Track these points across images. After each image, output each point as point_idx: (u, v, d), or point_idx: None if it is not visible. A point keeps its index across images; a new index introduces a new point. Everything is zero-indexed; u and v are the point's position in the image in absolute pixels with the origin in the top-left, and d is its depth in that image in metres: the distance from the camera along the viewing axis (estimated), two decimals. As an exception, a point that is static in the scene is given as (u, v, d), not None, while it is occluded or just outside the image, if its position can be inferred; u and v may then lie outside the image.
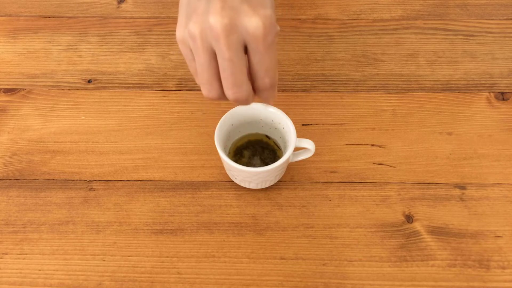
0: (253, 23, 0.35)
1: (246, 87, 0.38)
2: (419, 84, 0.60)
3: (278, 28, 0.38)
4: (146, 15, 0.66)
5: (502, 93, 0.59)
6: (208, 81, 0.38)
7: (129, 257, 0.49)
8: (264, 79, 0.38)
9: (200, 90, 0.58)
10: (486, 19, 0.66)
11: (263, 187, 0.51)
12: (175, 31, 0.42)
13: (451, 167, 0.54)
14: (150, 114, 0.58)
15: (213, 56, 0.37)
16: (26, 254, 0.49)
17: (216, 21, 0.35)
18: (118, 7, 0.67)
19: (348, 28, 0.65)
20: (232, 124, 0.50)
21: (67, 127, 0.57)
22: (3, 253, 0.49)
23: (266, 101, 0.42)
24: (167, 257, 0.49)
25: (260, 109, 0.50)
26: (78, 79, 0.61)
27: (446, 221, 0.50)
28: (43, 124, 0.57)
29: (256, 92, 0.40)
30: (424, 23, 0.65)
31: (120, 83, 0.60)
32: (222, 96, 0.40)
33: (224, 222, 0.50)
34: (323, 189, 0.52)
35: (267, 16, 0.35)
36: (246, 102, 0.40)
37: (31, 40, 0.64)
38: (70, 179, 0.53)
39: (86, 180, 0.53)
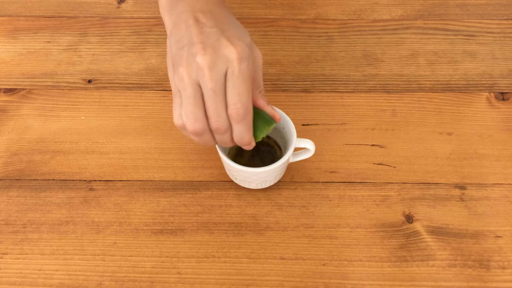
0: (230, 50, 0.39)
1: (227, 118, 0.41)
2: (419, 84, 0.60)
3: (260, 54, 0.43)
4: (146, 15, 0.66)
5: (502, 93, 0.59)
6: (193, 112, 0.41)
7: (129, 257, 0.49)
8: (236, 104, 0.40)
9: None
10: (486, 19, 0.66)
11: (263, 187, 0.51)
12: None
13: (451, 167, 0.54)
14: (150, 114, 0.58)
15: (199, 89, 0.40)
16: (26, 254, 0.49)
17: (200, 59, 0.39)
18: (118, 7, 0.67)
19: (348, 28, 0.65)
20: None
21: (67, 127, 0.57)
22: (3, 253, 0.49)
23: (241, 141, 0.43)
24: (167, 257, 0.49)
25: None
26: (78, 79, 0.61)
27: (446, 221, 0.50)
28: (43, 124, 0.57)
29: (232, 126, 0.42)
30: (424, 23, 0.65)
31: (120, 83, 0.60)
32: (207, 129, 0.42)
33: (224, 222, 0.50)
34: (323, 189, 0.52)
35: (242, 45, 0.40)
36: (225, 136, 0.42)
37: (31, 40, 0.64)
38: (70, 179, 0.53)
39: (86, 180, 0.53)
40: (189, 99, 0.40)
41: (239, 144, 0.43)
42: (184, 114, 0.41)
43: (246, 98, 0.40)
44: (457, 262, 0.48)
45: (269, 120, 0.45)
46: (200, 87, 0.40)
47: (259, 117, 0.44)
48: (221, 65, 0.39)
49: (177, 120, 0.42)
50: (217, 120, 0.41)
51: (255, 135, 0.44)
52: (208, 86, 0.39)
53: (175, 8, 0.44)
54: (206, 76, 0.39)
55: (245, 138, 0.42)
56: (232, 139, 0.43)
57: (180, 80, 0.40)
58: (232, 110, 0.40)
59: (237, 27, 0.43)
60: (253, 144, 0.44)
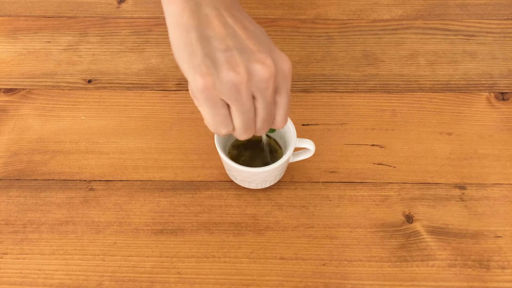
0: (285, 64, 0.37)
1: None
2: (419, 84, 0.60)
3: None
4: (146, 15, 0.66)
5: (502, 93, 0.59)
6: (248, 126, 0.39)
7: (129, 257, 0.49)
8: (283, 122, 0.41)
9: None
10: (486, 19, 0.66)
11: (263, 187, 0.51)
12: None
13: (451, 167, 0.54)
14: (150, 114, 0.58)
15: (253, 101, 0.38)
16: (26, 254, 0.49)
17: (264, 71, 0.36)
18: (118, 7, 0.67)
19: (348, 28, 0.65)
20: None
21: (67, 127, 0.57)
22: (3, 253, 0.49)
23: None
24: (167, 257, 0.49)
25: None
26: (78, 79, 0.61)
27: (446, 221, 0.50)
28: (43, 124, 0.57)
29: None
30: (424, 23, 0.65)
31: (120, 83, 0.60)
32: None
33: (224, 222, 0.50)
34: (323, 189, 0.52)
35: (287, 57, 0.38)
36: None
37: (31, 40, 0.64)
38: (70, 179, 0.53)
39: (86, 180, 0.53)
40: (247, 113, 0.38)
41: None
42: (240, 127, 0.39)
43: (288, 113, 0.41)
44: (457, 262, 0.48)
45: None
46: (252, 97, 0.37)
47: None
48: (279, 79, 0.37)
49: (224, 130, 0.39)
50: (263, 129, 0.40)
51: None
52: (268, 100, 0.37)
53: None
54: (269, 90, 0.37)
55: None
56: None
57: (234, 89, 0.36)
58: (278, 126, 0.41)
59: (260, 27, 0.41)
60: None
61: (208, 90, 0.36)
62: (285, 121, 0.41)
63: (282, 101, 0.39)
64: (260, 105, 0.38)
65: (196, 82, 0.36)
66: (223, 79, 0.35)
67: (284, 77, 0.38)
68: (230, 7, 0.38)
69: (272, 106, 0.38)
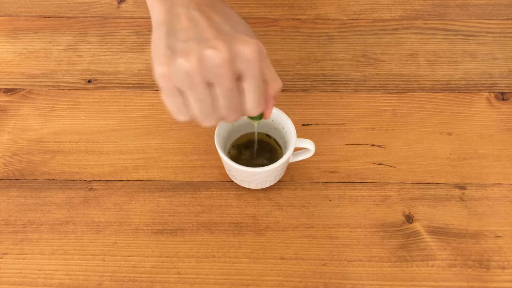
0: (248, 48, 0.36)
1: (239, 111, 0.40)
2: (419, 84, 0.60)
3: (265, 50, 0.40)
4: (146, 15, 0.66)
5: (502, 93, 0.59)
6: (207, 114, 0.39)
7: (129, 257, 0.49)
8: (255, 110, 0.40)
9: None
10: (486, 19, 0.66)
11: (263, 187, 0.51)
12: None
13: (451, 167, 0.54)
14: (150, 114, 0.58)
15: (208, 87, 0.38)
16: (26, 254, 0.49)
17: (217, 56, 0.35)
18: (118, 7, 0.67)
19: (348, 28, 0.65)
20: (232, 124, 0.51)
21: (67, 127, 0.57)
22: (3, 253, 0.49)
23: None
24: (167, 257, 0.49)
25: (260, 109, 0.50)
26: (78, 79, 0.61)
27: (446, 221, 0.50)
28: (43, 124, 0.57)
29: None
30: (424, 23, 0.65)
31: (120, 83, 0.60)
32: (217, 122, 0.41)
33: (224, 222, 0.50)
34: (323, 189, 0.52)
35: (258, 43, 0.37)
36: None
37: (31, 40, 0.64)
38: (70, 179, 0.53)
39: (86, 180, 0.53)
40: (203, 103, 0.38)
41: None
42: (199, 115, 0.39)
43: (263, 100, 0.39)
44: (457, 262, 0.48)
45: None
46: (210, 84, 0.37)
47: None
48: (240, 64, 0.37)
49: (182, 117, 0.40)
50: (232, 117, 0.40)
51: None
52: (226, 85, 0.37)
53: None
54: (225, 75, 0.36)
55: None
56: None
57: (186, 77, 0.36)
58: (252, 114, 0.40)
59: (243, 23, 0.41)
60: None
61: (164, 79, 0.37)
62: (260, 108, 0.40)
63: (249, 87, 0.38)
64: (219, 92, 0.38)
65: (155, 71, 0.37)
66: (176, 67, 0.36)
67: (246, 62, 0.37)
68: (201, 4, 0.39)
69: (234, 92, 0.38)
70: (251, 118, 0.44)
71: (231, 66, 0.36)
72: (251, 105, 0.39)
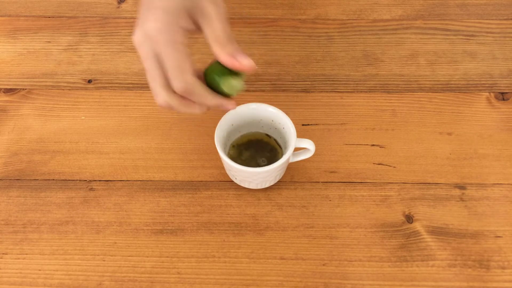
0: (149, 26, 0.41)
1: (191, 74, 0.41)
2: (419, 84, 0.60)
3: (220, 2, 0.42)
4: (146, 15, 0.66)
5: (502, 93, 0.59)
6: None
7: (129, 257, 0.49)
8: (178, 86, 0.41)
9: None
10: (486, 19, 0.66)
11: (263, 187, 0.51)
12: None
13: (451, 167, 0.54)
14: (150, 114, 0.58)
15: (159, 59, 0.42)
16: (26, 254, 0.49)
17: (150, 27, 0.41)
18: (118, 7, 0.67)
19: (348, 28, 0.65)
20: (232, 124, 0.51)
21: (67, 127, 0.57)
22: (3, 253, 0.49)
23: (204, 107, 0.43)
24: (167, 257, 0.49)
25: (260, 109, 0.50)
26: (78, 79, 0.61)
27: (446, 221, 0.50)
28: (43, 124, 0.57)
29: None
30: (424, 23, 0.65)
31: (120, 83, 0.60)
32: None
33: (224, 222, 0.50)
34: (323, 189, 0.52)
35: (158, 16, 0.41)
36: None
37: (31, 40, 0.64)
38: (70, 179, 0.53)
39: (86, 180, 0.53)
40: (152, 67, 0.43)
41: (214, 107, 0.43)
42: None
43: (186, 75, 0.40)
44: (457, 262, 0.48)
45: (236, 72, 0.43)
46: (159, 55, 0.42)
47: (222, 72, 0.43)
48: (147, 44, 0.41)
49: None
50: (181, 84, 0.41)
51: (224, 91, 0.43)
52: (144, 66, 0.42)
53: None
54: (161, 45, 0.41)
55: (207, 103, 0.42)
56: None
57: (137, 45, 0.44)
58: (177, 91, 0.41)
59: None
60: (229, 103, 0.44)
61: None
62: (186, 91, 0.41)
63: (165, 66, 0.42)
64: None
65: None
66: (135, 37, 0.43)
67: (153, 42, 0.41)
68: None
69: (153, 78, 0.42)
70: (227, 89, 0.43)
71: (141, 48, 0.42)
72: (173, 82, 0.41)
